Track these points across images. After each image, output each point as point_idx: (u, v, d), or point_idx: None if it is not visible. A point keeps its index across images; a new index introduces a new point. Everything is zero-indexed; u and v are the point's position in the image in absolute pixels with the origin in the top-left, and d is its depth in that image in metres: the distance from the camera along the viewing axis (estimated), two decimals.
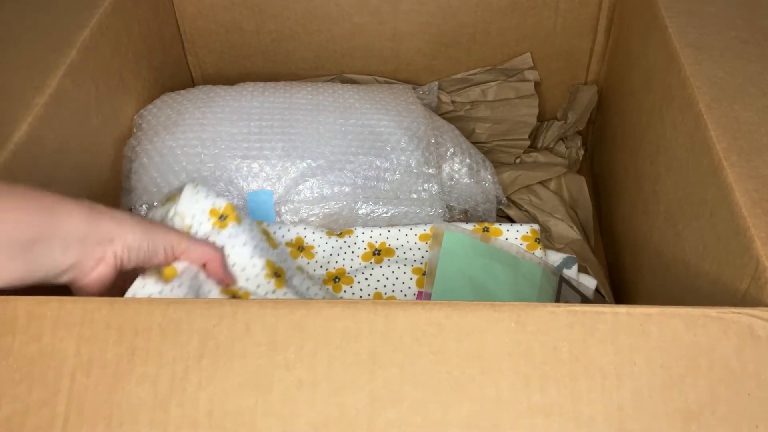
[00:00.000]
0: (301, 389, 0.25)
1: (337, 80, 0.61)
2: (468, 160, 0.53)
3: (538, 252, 0.48)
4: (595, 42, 0.59)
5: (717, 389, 0.25)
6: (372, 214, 0.50)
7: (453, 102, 0.61)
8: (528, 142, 0.61)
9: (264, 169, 0.49)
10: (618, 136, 0.55)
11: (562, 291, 0.46)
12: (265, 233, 0.43)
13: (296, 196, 0.49)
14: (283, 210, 0.49)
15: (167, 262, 0.34)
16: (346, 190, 0.49)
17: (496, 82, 0.60)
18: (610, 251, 0.56)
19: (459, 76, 0.61)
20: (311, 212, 0.49)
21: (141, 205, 0.48)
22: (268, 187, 0.49)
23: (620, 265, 0.52)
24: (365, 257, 0.48)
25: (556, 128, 0.61)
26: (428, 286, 0.45)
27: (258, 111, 0.51)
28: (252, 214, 0.49)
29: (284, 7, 0.58)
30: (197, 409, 0.25)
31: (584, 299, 0.47)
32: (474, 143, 0.58)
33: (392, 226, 0.50)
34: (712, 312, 0.27)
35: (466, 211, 0.54)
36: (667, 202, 0.41)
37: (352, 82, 0.61)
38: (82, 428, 0.25)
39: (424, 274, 0.46)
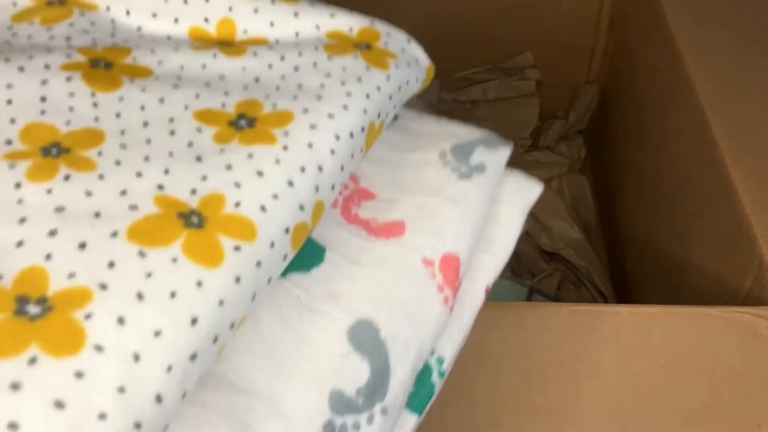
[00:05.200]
0: None
1: None
2: None
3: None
4: (596, 40, 0.59)
5: (719, 389, 0.25)
6: None
7: (454, 101, 0.60)
8: (529, 142, 0.61)
9: None
10: (620, 135, 0.55)
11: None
12: None
13: None
14: None
15: None
16: None
17: (496, 81, 0.60)
18: (611, 251, 0.56)
19: (460, 75, 0.61)
20: None
21: None
22: None
23: (622, 264, 0.52)
24: None
25: (558, 127, 0.61)
26: None
27: None
28: None
29: None
30: None
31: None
32: None
33: None
34: (714, 311, 0.27)
35: None
36: (669, 201, 0.41)
37: None
38: None
39: None
